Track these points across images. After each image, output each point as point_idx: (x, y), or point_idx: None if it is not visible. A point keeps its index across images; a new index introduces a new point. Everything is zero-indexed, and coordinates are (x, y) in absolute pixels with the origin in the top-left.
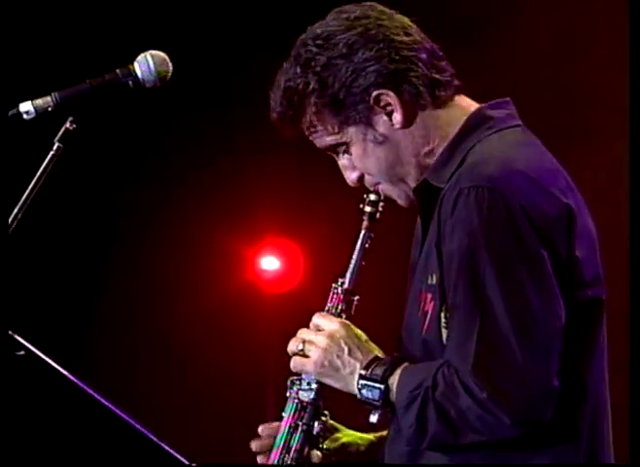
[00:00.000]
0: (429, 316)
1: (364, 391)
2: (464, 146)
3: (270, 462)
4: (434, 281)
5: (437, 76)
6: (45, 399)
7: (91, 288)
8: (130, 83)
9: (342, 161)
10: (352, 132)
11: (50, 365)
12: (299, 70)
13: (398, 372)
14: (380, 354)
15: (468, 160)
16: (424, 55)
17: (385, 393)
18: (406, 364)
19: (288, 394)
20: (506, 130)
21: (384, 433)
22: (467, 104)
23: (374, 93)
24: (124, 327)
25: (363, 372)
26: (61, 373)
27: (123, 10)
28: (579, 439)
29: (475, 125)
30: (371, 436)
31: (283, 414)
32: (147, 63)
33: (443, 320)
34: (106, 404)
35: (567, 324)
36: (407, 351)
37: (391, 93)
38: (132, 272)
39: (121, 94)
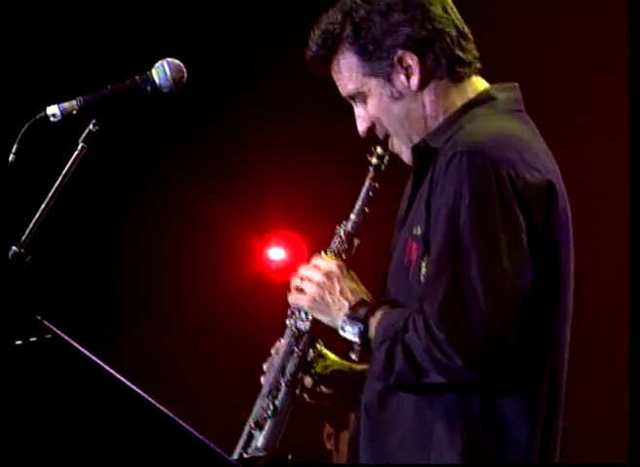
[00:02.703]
0: (413, 264)
1: (346, 328)
2: (464, 117)
3: (266, 382)
4: (419, 232)
5: (460, 53)
6: (77, 386)
7: (106, 277)
8: (149, 88)
9: (358, 110)
10: (372, 84)
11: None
12: (339, 17)
13: (378, 314)
14: (368, 297)
15: (465, 128)
16: (454, 33)
17: (364, 332)
18: (387, 307)
19: (287, 323)
20: (506, 113)
21: None
22: (479, 84)
23: (400, 53)
24: (135, 315)
25: (348, 311)
26: (92, 359)
27: (143, 22)
28: (540, 386)
29: (479, 101)
30: (359, 368)
31: (281, 340)
32: (163, 70)
33: (423, 270)
34: (152, 401)
35: (535, 286)
36: (391, 297)
37: (414, 57)
38: (147, 262)
39: (140, 99)
